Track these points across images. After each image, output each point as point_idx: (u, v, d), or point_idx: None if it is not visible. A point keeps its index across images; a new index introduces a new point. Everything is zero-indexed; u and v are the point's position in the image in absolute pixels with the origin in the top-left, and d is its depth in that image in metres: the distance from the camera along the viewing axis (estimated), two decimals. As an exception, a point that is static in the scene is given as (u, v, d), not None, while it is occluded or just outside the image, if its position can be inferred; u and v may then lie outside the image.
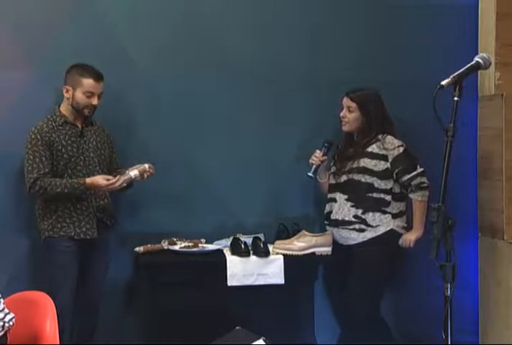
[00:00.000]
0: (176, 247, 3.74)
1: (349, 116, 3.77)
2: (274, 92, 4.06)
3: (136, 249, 3.76)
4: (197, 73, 3.96)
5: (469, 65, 2.65)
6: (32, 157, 3.51)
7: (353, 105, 3.75)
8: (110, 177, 3.56)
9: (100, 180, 3.52)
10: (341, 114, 3.80)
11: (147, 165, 3.60)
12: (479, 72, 3.56)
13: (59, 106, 3.64)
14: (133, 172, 3.56)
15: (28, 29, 3.79)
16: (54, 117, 3.60)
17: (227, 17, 4.02)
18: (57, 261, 3.56)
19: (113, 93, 3.78)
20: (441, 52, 4.09)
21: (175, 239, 3.81)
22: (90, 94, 3.56)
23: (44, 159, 3.52)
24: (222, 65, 4.00)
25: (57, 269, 3.55)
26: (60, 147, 3.55)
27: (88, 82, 3.55)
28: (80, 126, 3.64)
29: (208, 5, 4.00)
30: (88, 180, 3.52)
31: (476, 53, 3.00)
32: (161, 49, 3.95)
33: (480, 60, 2.67)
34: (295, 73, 4.07)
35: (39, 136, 3.52)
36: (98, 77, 3.57)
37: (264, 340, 3.37)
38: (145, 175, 3.60)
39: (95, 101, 3.58)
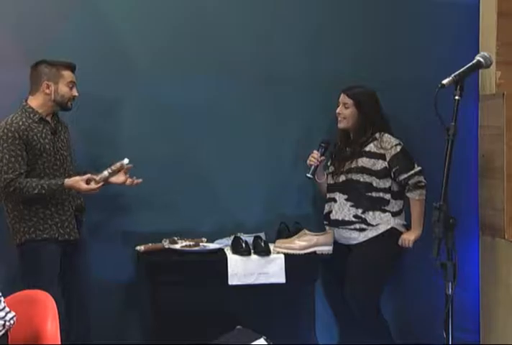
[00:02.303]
0: (177, 246, 3.74)
1: (345, 112, 3.78)
2: (274, 92, 4.05)
3: (137, 248, 3.76)
4: (197, 74, 3.96)
5: (470, 64, 2.65)
6: (7, 156, 3.34)
7: (349, 101, 3.77)
8: (88, 176, 3.43)
9: (80, 182, 3.39)
10: (338, 110, 3.81)
11: (123, 162, 3.48)
12: (480, 71, 3.55)
13: (26, 100, 3.50)
14: (106, 171, 3.46)
15: (28, 29, 3.78)
16: (27, 113, 3.45)
17: (227, 17, 4.01)
18: (41, 263, 3.44)
19: (113, 93, 3.78)
20: (442, 52, 4.09)
21: (176, 238, 3.81)
22: (72, 84, 3.50)
23: (20, 158, 3.36)
24: (222, 65, 4.00)
25: (41, 271, 3.43)
26: (38, 146, 3.41)
27: (68, 73, 3.49)
28: (51, 122, 3.53)
29: (208, 5, 3.99)
30: (68, 181, 3.39)
31: (477, 52, 3.00)
32: (161, 49, 3.95)
33: (481, 59, 2.66)
34: (296, 73, 4.06)
35: (16, 135, 3.36)
36: (73, 67, 3.52)
37: (265, 339, 3.37)
38: (122, 174, 3.51)
39: (75, 92, 3.52)
